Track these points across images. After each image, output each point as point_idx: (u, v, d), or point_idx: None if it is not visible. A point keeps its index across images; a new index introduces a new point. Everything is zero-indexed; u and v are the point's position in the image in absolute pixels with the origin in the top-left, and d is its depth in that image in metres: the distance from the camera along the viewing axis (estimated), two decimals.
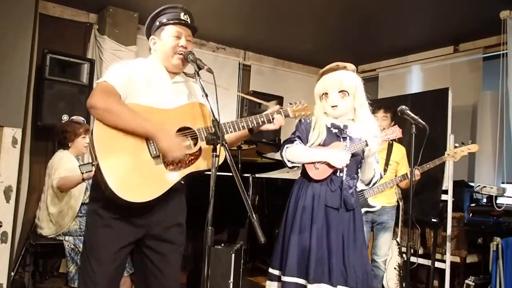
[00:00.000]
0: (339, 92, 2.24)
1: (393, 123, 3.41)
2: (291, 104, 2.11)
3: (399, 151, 3.45)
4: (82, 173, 2.89)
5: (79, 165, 2.94)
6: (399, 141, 3.28)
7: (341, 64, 2.29)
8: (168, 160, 1.77)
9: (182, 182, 1.84)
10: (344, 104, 2.26)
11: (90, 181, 3.43)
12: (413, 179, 2.71)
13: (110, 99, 1.72)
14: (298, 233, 2.19)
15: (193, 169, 1.82)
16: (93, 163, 1.74)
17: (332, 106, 2.26)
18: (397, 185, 3.40)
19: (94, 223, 1.82)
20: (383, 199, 3.31)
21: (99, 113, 1.70)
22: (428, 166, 3.19)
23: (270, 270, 2.29)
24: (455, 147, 3.17)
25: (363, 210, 3.13)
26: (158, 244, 1.87)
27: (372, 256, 3.39)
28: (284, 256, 2.20)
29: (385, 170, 3.31)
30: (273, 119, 2.00)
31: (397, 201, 3.53)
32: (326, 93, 2.27)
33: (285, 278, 2.16)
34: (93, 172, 2.74)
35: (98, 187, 1.74)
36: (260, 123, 1.98)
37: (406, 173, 3.24)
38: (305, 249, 2.16)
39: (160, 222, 1.85)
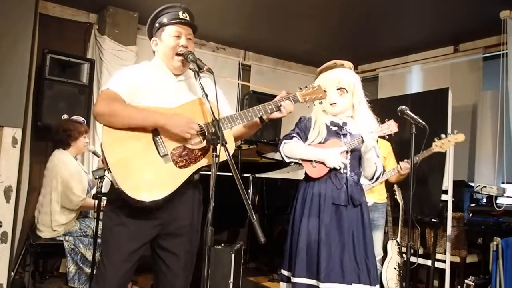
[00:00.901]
0: (337, 89, 2.27)
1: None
2: (300, 88, 2.03)
3: (385, 146, 3.44)
4: (96, 178, 2.93)
5: (92, 171, 2.97)
6: (390, 137, 3.29)
7: (338, 62, 2.31)
8: (176, 158, 1.79)
9: (196, 177, 1.85)
10: (342, 101, 2.28)
11: (91, 182, 3.46)
12: (412, 179, 2.72)
13: (113, 103, 1.75)
14: (306, 233, 2.19)
15: (202, 164, 1.83)
16: (105, 168, 1.76)
17: (331, 104, 2.28)
18: (387, 179, 3.41)
19: (109, 222, 1.85)
20: (374, 195, 3.31)
21: (105, 119, 1.74)
22: (417, 158, 3.17)
23: (282, 271, 2.32)
24: (442, 138, 3.16)
25: None
26: (172, 243, 1.88)
27: None
28: (293, 257, 2.21)
29: None
30: (280, 105, 1.94)
31: (386, 199, 3.53)
32: (325, 91, 2.27)
33: (295, 279, 2.16)
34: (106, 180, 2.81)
35: (114, 190, 1.76)
36: (268, 111, 1.92)
37: (396, 167, 3.23)
38: (314, 249, 2.16)
39: (175, 220, 1.86)
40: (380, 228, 3.39)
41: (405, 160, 3.20)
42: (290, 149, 2.28)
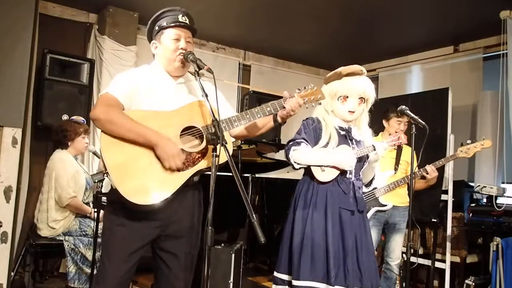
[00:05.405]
0: (359, 98, 2.25)
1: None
2: (299, 90, 2.01)
3: (409, 151, 3.42)
4: (95, 182, 2.93)
5: (91, 175, 2.98)
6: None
7: (363, 69, 2.28)
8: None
9: (195, 179, 1.86)
10: (359, 110, 2.27)
11: (90, 181, 3.45)
12: (413, 179, 2.73)
13: (112, 110, 1.76)
14: (311, 235, 2.15)
15: (201, 167, 1.83)
16: (104, 172, 1.77)
17: (350, 111, 2.26)
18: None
19: (110, 222, 1.86)
20: (396, 198, 3.24)
21: (101, 125, 1.75)
22: (440, 162, 3.18)
23: (276, 274, 2.25)
24: (468, 143, 3.16)
25: (374, 209, 3.13)
26: (172, 244, 1.89)
27: (385, 259, 3.36)
28: (295, 260, 2.15)
29: (395, 169, 3.29)
30: (284, 105, 1.94)
31: (408, 202, 3.49)
32: (347, 97, 2.25)
33: (298, 283, 2.11)
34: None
35: (113, 191, 1.77)
36: (267, 113, 1.93)
37: (419, 171, 3.19)
38: (321, 251, 2.13)
39: (175, 222, 1.87)
40: (401, 232, 3.29)
41: (431, 165, 3.15)
42: (300, 155, 2.21)
